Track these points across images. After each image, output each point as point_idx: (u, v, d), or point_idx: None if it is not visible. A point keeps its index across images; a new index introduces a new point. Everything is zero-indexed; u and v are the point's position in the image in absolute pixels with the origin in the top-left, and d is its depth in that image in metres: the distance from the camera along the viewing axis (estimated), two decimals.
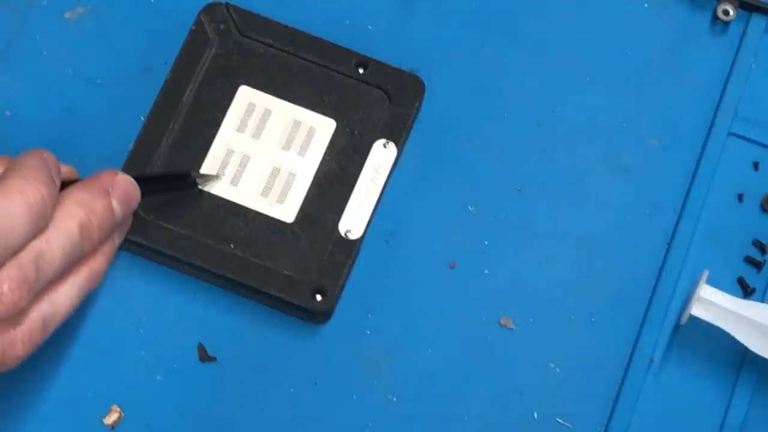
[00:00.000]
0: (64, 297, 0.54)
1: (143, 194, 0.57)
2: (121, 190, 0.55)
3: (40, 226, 0.51)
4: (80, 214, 0.53)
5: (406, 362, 0.60)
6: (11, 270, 0.50)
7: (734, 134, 0.63)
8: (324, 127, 0.62)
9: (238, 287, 0.60)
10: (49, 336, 0.54)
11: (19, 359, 0.52)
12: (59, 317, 0.54)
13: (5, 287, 0.50)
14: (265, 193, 0.61)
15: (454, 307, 0.61)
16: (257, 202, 0.61)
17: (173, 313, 0.60)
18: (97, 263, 0.55)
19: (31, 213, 0.51)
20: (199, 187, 0.60)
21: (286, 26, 0.63)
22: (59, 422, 0.59)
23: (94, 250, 0.55)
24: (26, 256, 0.51)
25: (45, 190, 0.51)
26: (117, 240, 0.57)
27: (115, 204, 0.55)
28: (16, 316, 0.51)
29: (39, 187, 0.51)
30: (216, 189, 0.61)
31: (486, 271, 0.61)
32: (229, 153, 0.61)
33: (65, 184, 0.55)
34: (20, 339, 0.52)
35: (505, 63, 0.64)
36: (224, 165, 0.61)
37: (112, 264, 0.57)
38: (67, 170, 0.57)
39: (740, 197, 0.63)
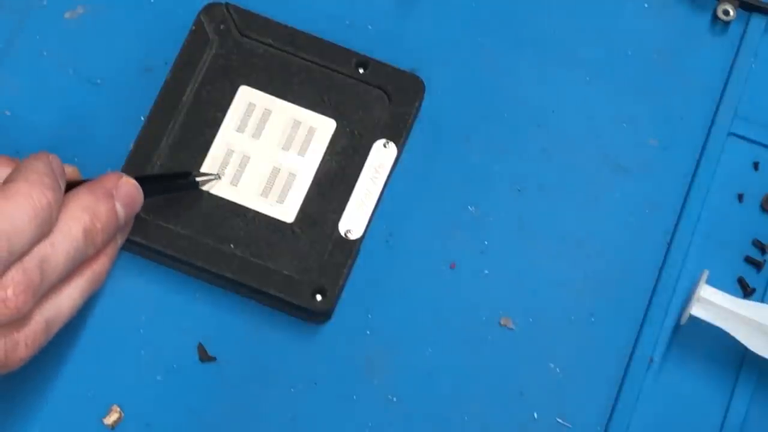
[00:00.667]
0: (67, 299, 0.54)
1: (145, 195, 0.57)
2: (124, 193, 0.56)
3: (44, 230, 0.52)
4: (85, 218, 0.53)
5: (406, 362, 0.60)
6: (16, 274, 0.50)
7: (734, 134, 0.63)
8: (324, 127, 0.62)
9: (238, 287, 0.60)
10: (52, 338, 0.54)
11: (22, 361, 0.53)
12: (62, 319, 0.54)
13: (9, 291, 0.50)
14: (265, 193, 0.61)
15: (454, 307, 0.61)
16: (257, 202, 0.61)
17: (173, 313, 0.60)
18: (99, 265, 0.55)
19: (37, 218, 0.51)
20: (200, 187, 0.60)
21: (286, 26, 0.63)
22: (59, 422, 0.59)
23: (97, 252, 0.55)
24: (31, 261, 0.51)
25: (50, 194, 0.52)
26: (119, 241, 0.58)
27: (118, 207, 0.55)
28: (20, 318, 0.51)
29: (45, 191, 0.52)
30: (216, 189, 0.61)
31: (486, 271, 0.61)
32: (229, 153, 0.61)
33: (69, 186, 0.55)
34: (23, 341, 0.52)
35: (505, 63, 0.64)
36: (224, 165, 0.61)
37: (113, 264, 0.57)
38: (69, 171, 0.57)
39: (740, 197, 0.63)
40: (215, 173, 0.61)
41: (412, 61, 0.64)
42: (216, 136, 0.62)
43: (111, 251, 0.56)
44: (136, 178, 0.57)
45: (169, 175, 0.60)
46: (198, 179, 0.60)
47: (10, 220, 0.50)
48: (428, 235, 0.62)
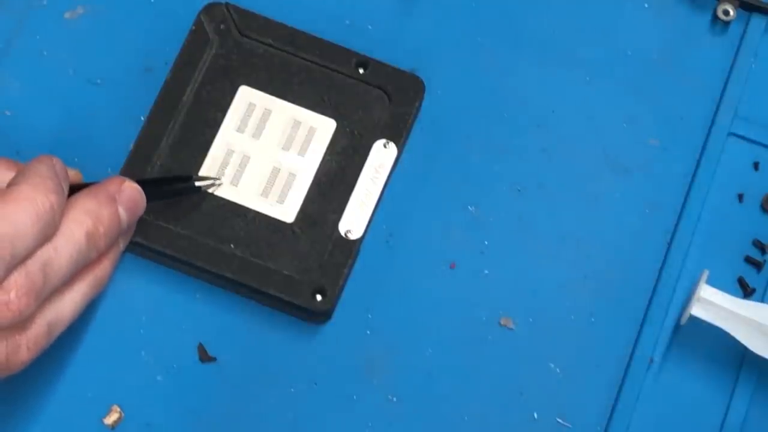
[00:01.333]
0: (69, 303, 0.54)
1: (147, 200, 0.57)
2: (127, 197, 0.56)
3: (47, 234, 0.52)
4: (88, 222, 0.53)
5: (406, 362, 0.60)
6: (19, 277, 0.50)
7: (734, 134, 0.63)
8: (324, 127, 0.62)
9: (238, 287, 0.60)
10: (54, 341, 0.54)
11: (24, 364, 0.53)
12: (64, 323, 0.54)
13: (12, 294, 0.50)
14: (265, 193, 0.61)
15: (454, 307, 0.61)
16: (257, 202, 0.61)
17: (173, 313, 0.60)
18: (102, 269, 0.56)
19: (40, 222, 0.51)
20: (201, 190, 0.60)
21: (286, 26, 0.63)
22: (59, 422, 0.59)
23: (99, 256, 0.55)
24: (34, 264, 0.51)
25: (54, 198, 0.52)
26: (122, 245, 0.58)
27: (121, 211, 0.56)
28: (22, 321, 0.51)
29: (48, 195, 0.52)
30: (216, 189, 0.61)
31: (486, 271, 0.61)
32: (229, 153, 0.61)
33: (71, 189, 0.55)
34: (25, 344, 0.52)
35: (505, 63, 0.64)
36: (224, 165, 0.61)
37: (115, 268, 0.57)
38: (72, 174, 0.57)
39: (740, 197, 0.63)
40: (215, 176, 0.61)
41: (412, 61, 0.64)
42: (216, 136, 0.62)
43: (113, 255, 0.57)
44: (138, 182, 0.57)
45: (170, 178, 0.60)
46: (199, 184, 0.60)
47: (13, 223, 0.50)
48: (428, 235, 0.62)
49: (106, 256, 0.56)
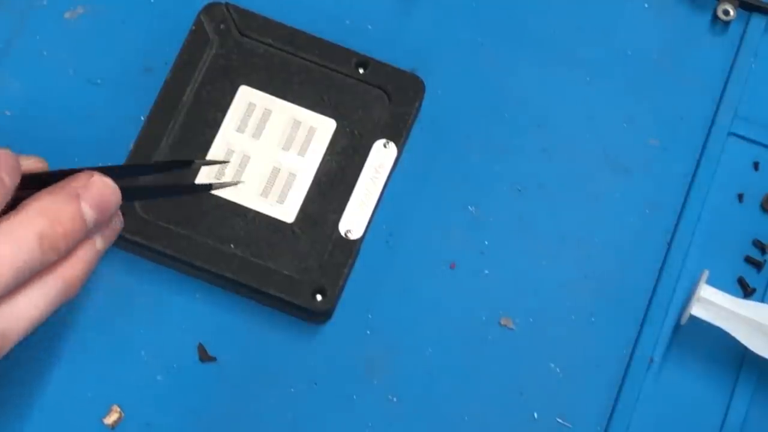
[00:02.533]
0: (28, 308, 0.48)
1: (148, 197, 0.56)
2: (94, 193, 0.50)
3: None
4: (40, 222, 0.48)
5: (406, 362, 0.60)
6: None
7: (734, 134, 0.63)
8: (324, 127, 0.62)
9: (238, 287, 0.60)
10: (10, 348, 0.49)
11: None
12: (21, 330, 0.48)
13: None
14: (265, 193, 0.61)
15: (454, 307, 0.61)
16: (257, 202, 0.61)
17: (173, 313, 0.60)
18: (71, 271, 0.50)
19: None
20: (213, 191, 0.60)
21: (285, 26, 0.63)
22: (59, 422, 0.59)
23: (65, 258, 0.50)
24: None
25: None
26: (100, 245, 0.52)
27: (85, 209, 0.50)
28: None
29: None
30: (216, 190, 0.61)
31: (486, 271, 0.61)
32: (229, 153, 0.61)
33: (33, 179, 0.50)
34: None
35: (505, 63, 0.64)
36: (224, 165, 0.61)
37: (111, 264, 0.57)
38: (32, 162, 0.52)
39: (740, 197, 0.63)
40: (223, 160, 0.60)
41: (412, 61, 0.64)
42: (216, 136, 0.62)
43: (87, 256, 0.51)
44: (139, 166, 0.54)
45: (170, 162, 0.59)
46: (200, 180, 0.60)
47: None
48: (428, 235, 0.62)
49: (77, 257, 0.50)
